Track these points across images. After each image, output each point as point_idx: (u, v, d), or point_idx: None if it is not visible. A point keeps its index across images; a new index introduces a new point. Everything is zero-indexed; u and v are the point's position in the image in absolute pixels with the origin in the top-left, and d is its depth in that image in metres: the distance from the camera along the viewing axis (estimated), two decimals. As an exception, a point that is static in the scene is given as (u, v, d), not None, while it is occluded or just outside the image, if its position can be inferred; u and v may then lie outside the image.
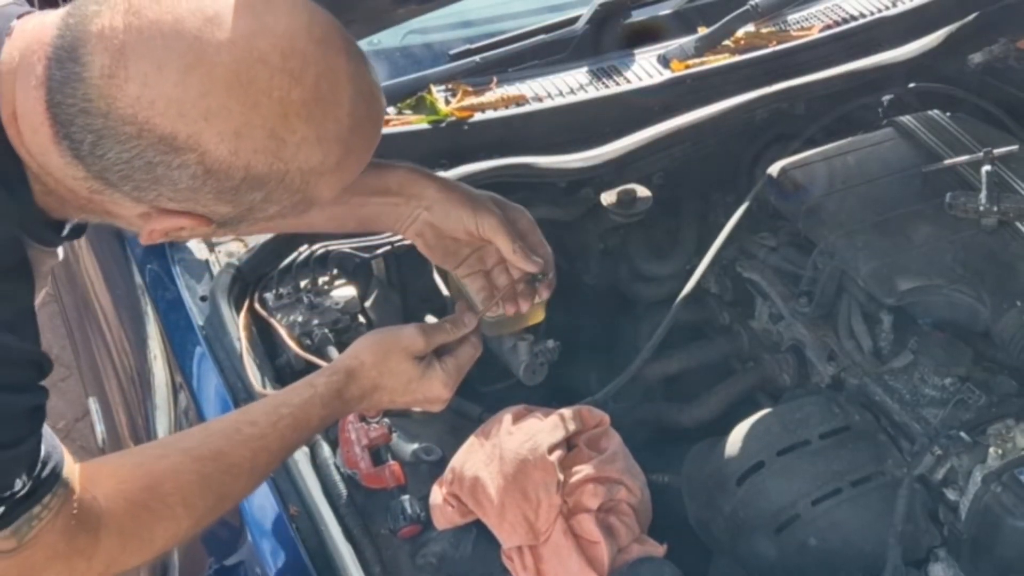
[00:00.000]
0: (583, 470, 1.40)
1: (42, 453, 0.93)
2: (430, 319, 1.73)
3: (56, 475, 0.95)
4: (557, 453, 1.40)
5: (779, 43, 2.03)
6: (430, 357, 1.23)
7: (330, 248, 1.68)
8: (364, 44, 2.13)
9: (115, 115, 0.83)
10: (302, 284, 1.64)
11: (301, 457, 1.42)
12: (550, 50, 2.07)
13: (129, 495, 1.03)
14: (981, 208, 1.59)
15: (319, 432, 1.31)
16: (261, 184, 0.89)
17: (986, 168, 1.61)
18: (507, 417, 1.45)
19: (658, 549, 1.39)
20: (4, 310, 0.90)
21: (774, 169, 1.75)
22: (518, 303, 1.28)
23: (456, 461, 1.43)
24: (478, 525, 1.41)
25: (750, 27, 2.04)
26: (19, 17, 0.92)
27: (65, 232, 1.02)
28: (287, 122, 0.86)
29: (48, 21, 0.88)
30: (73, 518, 0.97)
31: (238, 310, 1.59)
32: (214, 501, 1.10)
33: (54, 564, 0.97)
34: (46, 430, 0.95)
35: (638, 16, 2.17)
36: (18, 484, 0.91)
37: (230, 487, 1.12)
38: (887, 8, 2.11)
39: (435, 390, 1.22)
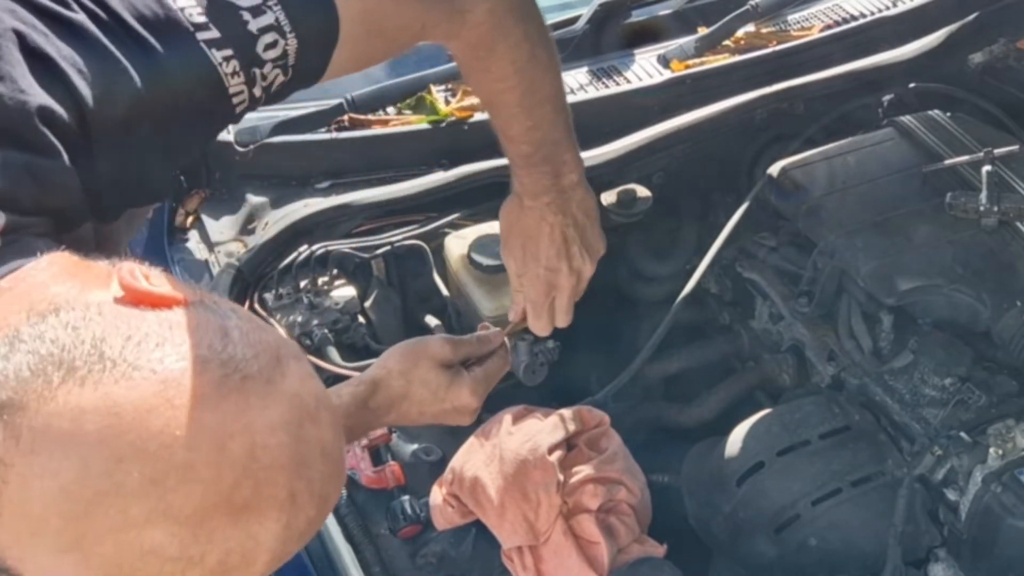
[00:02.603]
0: (583, 470, 1.40)
1: None
2: (430, 320, 1.73)
3: None
4: (557, 453, 1.40)
5: (779, 43, 2.03)
6: (458, 367, 1.22)
7: (330, 248, 1.68)
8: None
9: None
10: (302, 284, 1.64)
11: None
12: (550, 50, 2.07)
13: None
14: (981, 208, 1.59)
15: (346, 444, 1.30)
16: None
17: (986, 168, 1.61)
18: (507, 417, 1.45)
19: (658, 549, 1.39)
20: None
21: (774, 169, 1.75)
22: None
23: (456, 461, 1.43)
24: (478, 525, 1.41)
25: (750, 27, 2.04)
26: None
27: None
28: None
29: None
30: None
31: (238, 310, 1.59)
32: None
33: None
34: None
35: (638, 16, 2.17)
36: None
37: None
38: (887, 8, 2.11)
39: (463, 398, 1.21)
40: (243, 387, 0.69)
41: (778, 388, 1.74)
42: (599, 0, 2.09)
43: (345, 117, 1.86)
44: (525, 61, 1.16)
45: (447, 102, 1.86)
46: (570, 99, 1.88)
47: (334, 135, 1.84)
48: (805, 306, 1.65)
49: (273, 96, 0.98)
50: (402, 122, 1.85)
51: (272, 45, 0.94)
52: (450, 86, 1.90)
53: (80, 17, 0.85)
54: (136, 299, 0.71)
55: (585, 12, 2.12)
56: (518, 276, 1.30)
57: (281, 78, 0.97)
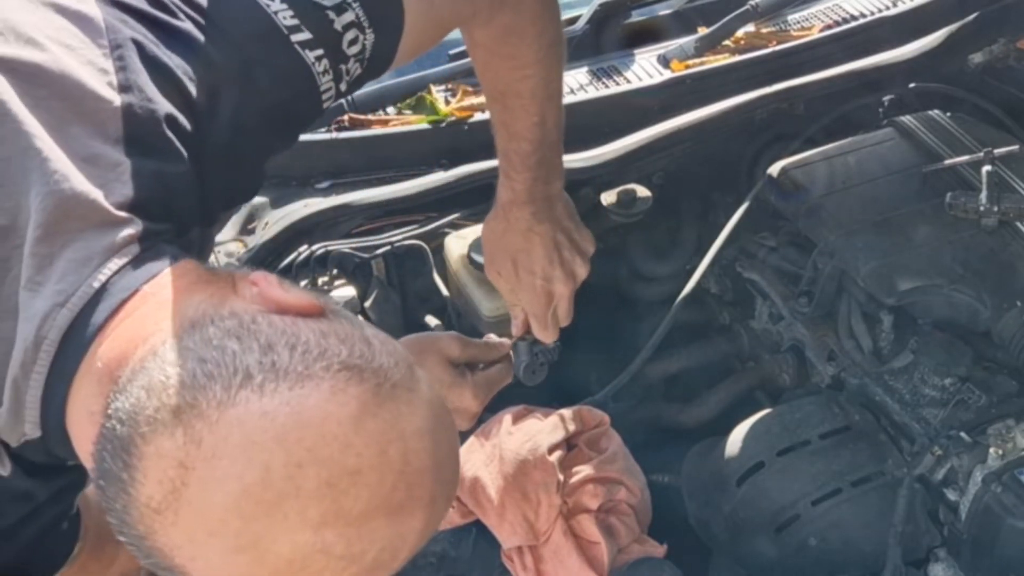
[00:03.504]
0: (583, 470, 1.40)
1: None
2: (430, 319, 1.73)
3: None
4: (557, 453, 1.40)
5: (779, 43, 2.03)
6: (464, 368, 1.23)
7: (330, 248, 1.68)
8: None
9: (150, 543, 0.72)
10: (302, 284, 1.64)
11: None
12: (550, 50, 2.07)
13: None
14: (981, 208, 1.59)
15: None
16: None
17: (986, 168, 1.61)
18: (507, 417, 1.45)
19: (658, 549, 1.39)
20: None
21: (774, 169, 1.75)
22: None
23: (456, 461, 1.43)
24: (478, 525, 1.41)
25: (750, 27, 2.04)
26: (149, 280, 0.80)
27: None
28: None
29: (145, 326, 0.76)
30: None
31: (238, 310, 1.59)
32: None
33: None
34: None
35: (638, 16, 2.17)
36: None
37: None
38: (887, 8, 2.11)
39: (465, 400, 1.22)
40: (394, 395, 0.74)
41: (778, 388, 1.74)
42: (599, 0, 2.09)
43: (345, 117, 1.86)
44: (546, 51, 1.18)
45: (447, 102, 1.86)
46: (570, 99, 1.90)
47: (334, 135, 1.84)
48: (805, 306, 1.65)
49: (351, 88, 1.01)
50: (402, 122, 1.85)
51: (354, 41, 0.97)
52: (450, 86, 1.90)
53: (186, 26, 0.88)
54: (282, 308, 0.75)
55: (585, 12, 2.12)
56: (512, 292, 1.31)
57: (359, 71, 1.00)
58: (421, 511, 0.75)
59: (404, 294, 1.76)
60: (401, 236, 1.72)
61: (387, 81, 1.93)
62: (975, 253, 1.58)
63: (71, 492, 0.94)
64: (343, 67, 0.97)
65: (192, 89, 0.87)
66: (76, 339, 0.77)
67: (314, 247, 1.67)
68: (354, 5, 0.96)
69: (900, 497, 1.39)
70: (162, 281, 0.79)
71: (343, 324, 0.76)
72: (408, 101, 1.88)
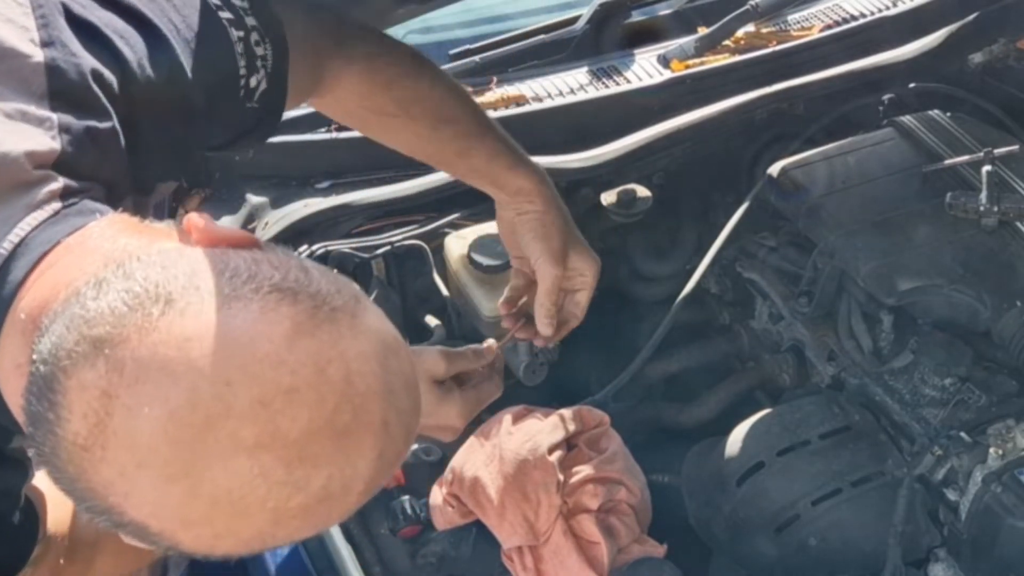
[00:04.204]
0: (583, 470, 1.40)
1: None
2: (430, 320, 1.73)
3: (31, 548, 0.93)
4: (557, 453, 1.40)
5: (779, 43, 2.03)
6: (450, 384, 1.21)
7: (330, 248, 1.68)
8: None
9: (84, 485, 0.69)
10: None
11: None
12: (550, 50, 2.07)
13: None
14: (981, 208, 1.59)
15: None
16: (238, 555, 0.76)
17: (986, 168, 1.61)
18: (507, 417, 1.45)
19: (658, 549, 1.39)
20: None
21: (774, 169, 1.75)
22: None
23: (456, 461, 1.43)
24: (478, 525, 1.41)
25: (750, 27, 2.04)
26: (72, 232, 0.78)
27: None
28: (278, 526, 0.70)
29: (67, 272, 0.74)
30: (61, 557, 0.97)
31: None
32: None
33: None
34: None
35: (638, 16, 2.17)
36: None
37: None
38: (887, 8, 2.11)
39: (450, 419, 1.20)
40: (333, 318, 0.71)
41: (778, 388, 1.74)
42: (599, 0, 2.09)
43: (345, 117, 1.86)
44: (414, 68, 1.18)
45: (447, 102, 1.86)
46: (570, 99, 1.90)
47: (334, 135, 1.84)
48: (805, 306, 1.65)
49: (261, 101, 1.00)
50: (402, 122, 1.85)
51: (260, 43, 0.97)
52: (450, 86, 1.90)
53: None
54: (213, 241, 0.73)
55: (585, 12, 2.12)
56: (523, 282, 1.31)
57: (264, 84, 0.99)
58: (371, 436, 0.71)
59: (404, 294, 1.76)
60: (401, 236, 1.72)
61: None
62: (975, 253, 1.58)
63: (15, 480, 0.91)
64: (256, 62, 0.97)
65: (122, 47, 0.86)
66: None
67: (314, 247, 1.67)
68: (251, 16, 0.97)
69: (900, 497, 1.39)
70: (87, 232, 0.77)
71: (281, 254, 0.74)
72: (408, 101, 1.87)
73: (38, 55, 0.81)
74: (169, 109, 0.90)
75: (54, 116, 0.80)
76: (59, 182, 0.78)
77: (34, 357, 0.69)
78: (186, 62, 0.91)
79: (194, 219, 0.74)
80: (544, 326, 1.29)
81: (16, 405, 0.72)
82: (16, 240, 0.75)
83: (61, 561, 1.00)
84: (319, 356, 0.69)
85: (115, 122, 0.84)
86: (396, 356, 0.75)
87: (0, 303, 0.74)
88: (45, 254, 0.75)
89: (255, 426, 0.66)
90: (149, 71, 0.87)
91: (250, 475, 0.67)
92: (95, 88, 0.83)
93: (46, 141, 0.79)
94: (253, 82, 0.97)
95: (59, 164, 0.79)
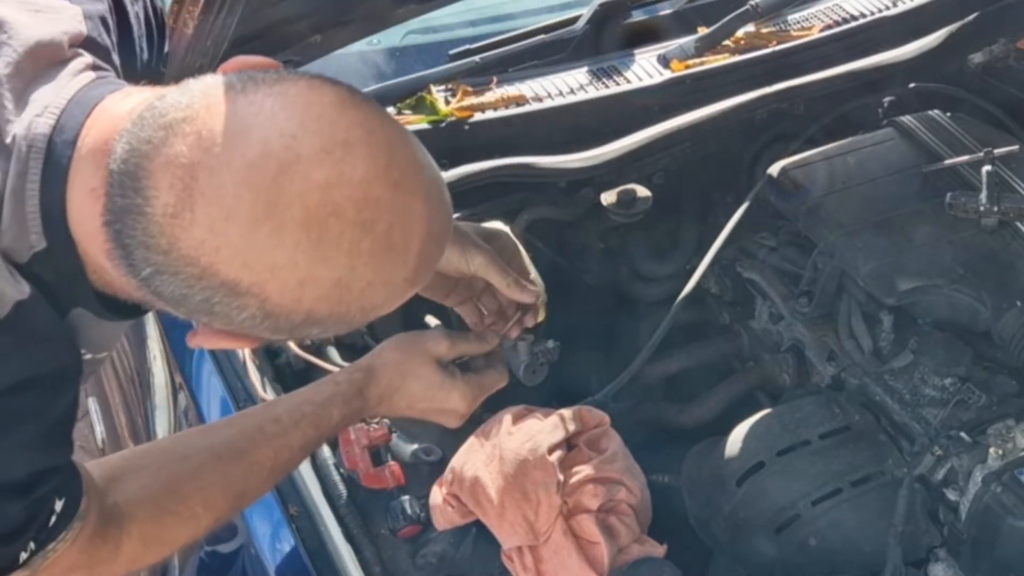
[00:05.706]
0: (583, 470, 1.40)
1: (57, 507, 0.92)
2: (430, 319, 1.73)
3: (73, 512, 0.94)
4: (557, 453, 1.40)
5: (779, 43, 2.03)
6: (453, 368, 1.22)
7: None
8: (364, 44, 2.15)
9: (176, 254, 0.78)
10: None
11: (301, 457, 1.42)
12: (550, 50, 2.07)
13: (153, 500, 1.05)
14: (981, 208, 1.59)
15: (340, 430, 1.31)
16: (320, 322, 0.85)
17: (986, 168, 1.61)
18: (507, 417, 1.45)
19: (658, 549, 1.39)
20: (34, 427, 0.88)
21: (774, 169, 1.75)
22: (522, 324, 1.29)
23: (456, 461, 1.43)
24: (478, 525, 1.41)
25: (750, 27, 2.04)
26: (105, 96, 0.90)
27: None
28: (354, 272, 0.81)
29: (119, 113, 0.85)
30: (95, 535, 0.98)
31: (238, 310, 1.59)
32: (233, 500, 1.12)
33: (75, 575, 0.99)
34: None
35: (638, 16, 2.17)
36: (23, 555, 0.91)
37: (250, 486, 1.13)
38: (887, 8, 2.11)
39: (453, 401, 1.21)
40: (369, 102, 0.84)
41: (778, 388, 1.74)
42: (599, 0, 2.09)
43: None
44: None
45: (447, 102, 1.86)
46: (570, 99, 1.90)
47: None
48: (805, 306, 1.65)
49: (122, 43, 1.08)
50: (402, 122, 1.85)
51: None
52: (450, 86, 1.90)
53: None
54: (243, 67, 0.86)
55: (585, 12, 2.11)
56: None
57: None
58: (419, 197, 0.84)
59: (404, 294, 1.76)
60: (401, 236, 1.71)
61: (387, 81, 1.93)
62: (975, 253, 1.58)
63: (73, 381, 0.95)
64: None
65: None
66: (61, 141, 0.85)
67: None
68: None
69: (900, 497, 1.39)
70: (127, 89, 0.90)
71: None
72: (408, 101, 1.87)
73: None
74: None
75: (79, 7, 0.96)
76: (89, 58, 0.93)
77: (112, 169, 0.80)
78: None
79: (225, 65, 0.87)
80: (523, 294, 1.23)
81: (94, 228, 0.82)
82: (68, 96, 0.87)
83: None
84: (366, 121, 0.82)
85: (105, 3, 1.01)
86: (420, 147, 0.87)
87: (65, 144, 0.85)
88: (97, 103, 0.88)
89: (323, 168, 0.78)
90: None
91: (324, 212, 0.78)
92: None
93: (76, 26, 0.95)
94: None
95: (85, 44, 0.94)
